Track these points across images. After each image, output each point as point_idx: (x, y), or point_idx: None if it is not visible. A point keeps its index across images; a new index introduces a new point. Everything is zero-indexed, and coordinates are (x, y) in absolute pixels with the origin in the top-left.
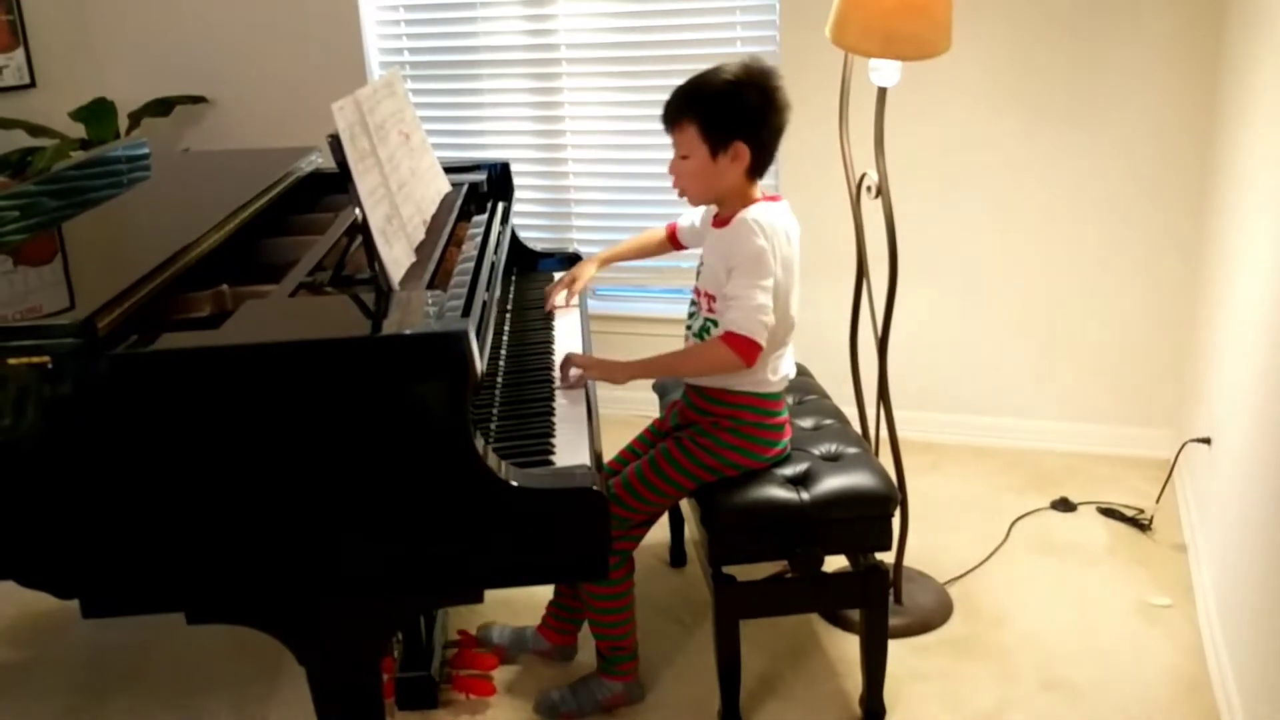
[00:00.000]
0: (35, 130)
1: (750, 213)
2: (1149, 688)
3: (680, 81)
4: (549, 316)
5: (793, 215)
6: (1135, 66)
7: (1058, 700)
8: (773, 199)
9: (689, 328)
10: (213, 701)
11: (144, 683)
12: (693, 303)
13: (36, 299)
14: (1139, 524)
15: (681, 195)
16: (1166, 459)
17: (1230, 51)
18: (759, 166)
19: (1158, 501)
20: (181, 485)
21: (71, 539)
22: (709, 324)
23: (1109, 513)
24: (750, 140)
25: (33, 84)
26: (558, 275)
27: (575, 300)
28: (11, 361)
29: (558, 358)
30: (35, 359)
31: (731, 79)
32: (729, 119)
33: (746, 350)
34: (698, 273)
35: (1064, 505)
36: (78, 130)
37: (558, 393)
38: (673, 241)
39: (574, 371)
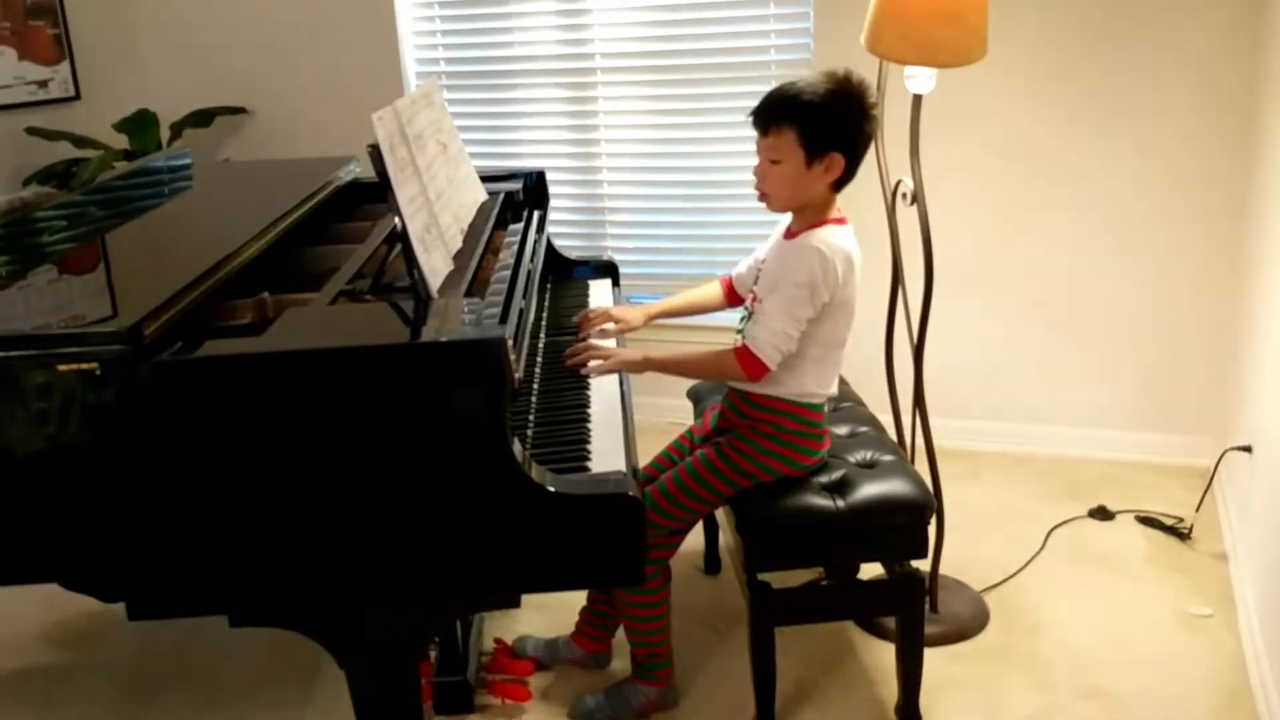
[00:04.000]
0: (80, 141)
1: (819, 238)
2: (1189, 698)
3: (714, 90)
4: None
5: (854, 238)
6: (1173, 71)
7: (1096, 710)
8: (840, 221)
9: (740, 332)
10: (252, 704)
11: (184, 686)
12: (745, 305)
13: (82, 307)
14: (1178, 533)
15: (762, 199)
16: (1206, 467)
17: (1268, 56)
18: (846, 179)
19: (1198, 510)
20: (225, 489)
21: (117, 542)
22: None
23: (1148, 521)
24: (846, 152)
25: (77, 96)
26: (593, 285)
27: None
28: (60, 368)
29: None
30: (83, 365)
31: (834, 88)
32: (829, 129)
33: (754, 368)
34: (756, 278)
35: (1102, 514)
36: (121, 141)
37: (593, 399)
38: (729, 296)
39: (594, 363)
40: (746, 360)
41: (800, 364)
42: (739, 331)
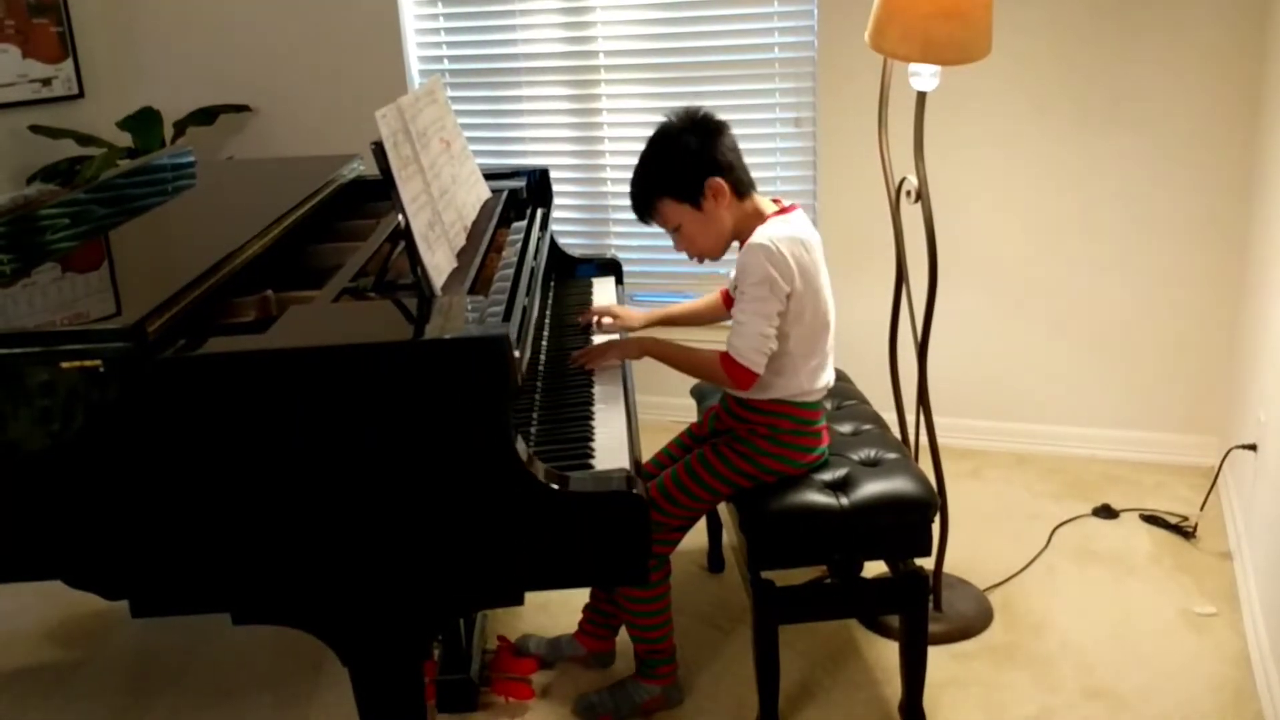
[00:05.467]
0: (83, 139)
1: (758, 235)
2: (1193, 697)
3: (718, 88)
4: (588, 323)
5: (809, 223)
6: (1177, 68)
7: (1100, 709)
8: (786, 210)
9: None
10: (256, 701)
11: (188, 683)
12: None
13: (86, 305)
14: (1183, 531)
15: (701, 262)
16: (1211, 466)
17: (1275, 57)
18: (741, 186)
19: (1202, 509)
20: (228, 487)
21: (121, 540)
22: None
23: (1152, 520)
24: (715, 171)
25: (81, 94)
26: (596, 283)
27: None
28: (64, 365)
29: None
30: (87, 363)
31: (666, 137)
32: (686, 169)
33: (741, 376)
34: (733, 292)
35: (1106, 512)
36: (125, 139)
37: (597, 397)
38: (728, 304)
39: (596, 361)
40: (731, 368)
41: (787, 363)
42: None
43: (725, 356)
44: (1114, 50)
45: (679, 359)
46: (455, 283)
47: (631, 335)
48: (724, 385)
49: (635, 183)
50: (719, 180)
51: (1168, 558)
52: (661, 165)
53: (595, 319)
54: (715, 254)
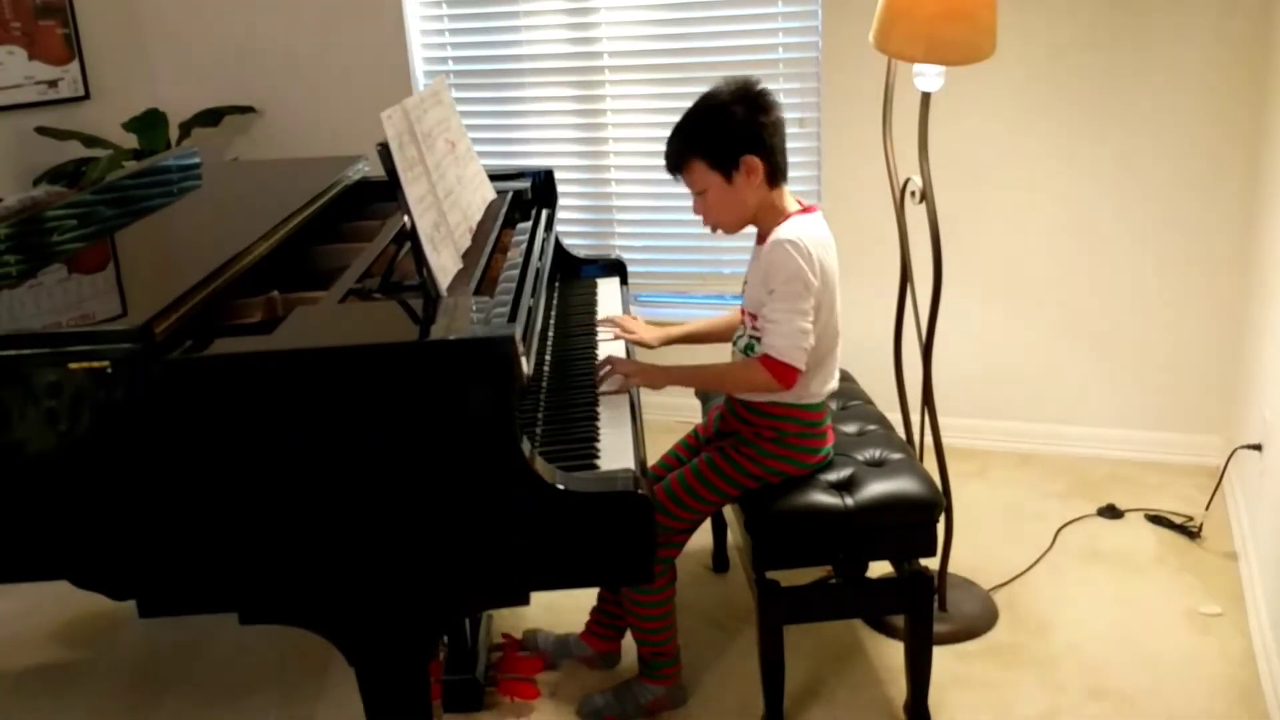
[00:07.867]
0: (89, 141)
1: (784, 231)
2: (1199, 697)
3: None
4: (593, 323)
5: (827, 225)
6: (1181, 66)
7: (1105, 709)
8: (808, 210)
9: (735, 343)
10: (262, 701)
11: (195, 683)
12: (743, 325)
13: (92, 306)
14: (1188, 531)
15: (715, 231)
16: (1216, 466)
17: (1277, 51)
18: (775, 173)
19: (1207, 509)
20: (235, 487)
21: (128, 540)
22: (753, 341)
23: (1157, 520)
24: (756, 150)
25: (87, 96)
26: (601, 284)
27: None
28: (71, 366)
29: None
30: (94, 364)
31: (715, 103)
32: (728, 138)
33: (784, 375)
34: (743, 290)
35: (1111, 512)
36: (130, 141)
37: (601, 398)
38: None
39: (616, 378)
40: (774, 368)
41: None
42: (746, 350)
43: (766, 358)
44: (1118, 50)
45: (707, 380)
46: (461, 283)
47: (656, 365)
48: (763, 390)
49: (674, 137)
50: (756, 159)
51: (1173, 558)
52: (704, 127)
53: (611, 327)
54: (731, 229)
